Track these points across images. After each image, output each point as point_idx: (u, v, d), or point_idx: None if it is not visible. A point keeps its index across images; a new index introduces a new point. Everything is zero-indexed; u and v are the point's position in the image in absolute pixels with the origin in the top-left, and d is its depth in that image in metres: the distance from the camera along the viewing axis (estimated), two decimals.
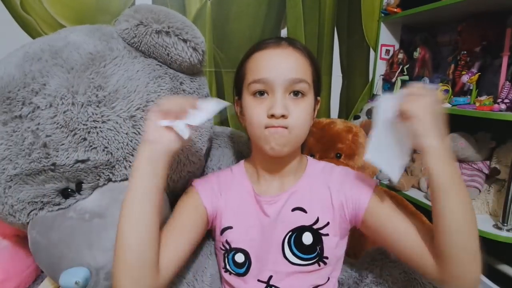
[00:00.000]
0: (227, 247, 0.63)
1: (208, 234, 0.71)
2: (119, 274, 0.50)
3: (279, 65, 0.60)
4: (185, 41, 0.63)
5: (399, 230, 0.56)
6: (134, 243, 0.50)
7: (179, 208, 0.63)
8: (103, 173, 0.60)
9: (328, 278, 0.64)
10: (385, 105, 0.53)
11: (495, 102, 1.06)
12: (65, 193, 0.60)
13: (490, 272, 1.02)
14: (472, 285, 0.50)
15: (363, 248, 0.89)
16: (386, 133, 0.53)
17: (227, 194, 0.65)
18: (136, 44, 0.63)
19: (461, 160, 1.19)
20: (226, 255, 0.64)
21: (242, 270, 0.63)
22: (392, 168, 0.54)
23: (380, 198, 0.59)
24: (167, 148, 0.52)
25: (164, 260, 0.54)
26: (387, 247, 0.64)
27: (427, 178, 1.30)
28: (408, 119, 0.49)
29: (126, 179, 0.61)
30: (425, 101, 0.49)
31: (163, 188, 0.54)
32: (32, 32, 1.09)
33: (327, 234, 0.61)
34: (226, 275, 0.65)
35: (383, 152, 0.54)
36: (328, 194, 0.62)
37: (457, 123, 1.23)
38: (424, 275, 0.58)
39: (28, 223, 0.60)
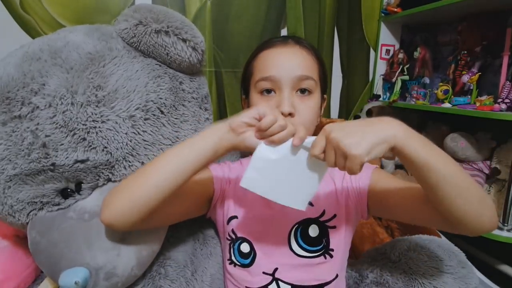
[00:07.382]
0: (233, 236, 0.64)
1: (209, 233, 0.70)
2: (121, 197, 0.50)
3: (286, 63, 0.60)
4: (184, 40, 0.63)
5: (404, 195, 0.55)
6: (152, 184, 0.49)
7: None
8: (102, 173, 0.59)
9: (336, 276, 0.63)
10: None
11: (495, 102, 1.06)
12: (65, 193, 0.60)
13: (490, 272, 1.01)
14: (490, 226, 0.47)
15: (363, 248, 0.89)
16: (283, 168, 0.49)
17: (236, 184, 0.66)
18: (136, 44, 0.63)
19: (461, 160, 1.19)
20: (232, 245, 0.64)
21: (248, 261, 0.63)
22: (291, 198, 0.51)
23: (379, 174, 0.60)
24: (239, 144, 0.50)
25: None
26: (397, 217, 0.66)
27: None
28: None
29: None
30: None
31: (211, 163, 0.53)
32: (32, 31, 1.09)
33: (334, 227, 0.62)
34: (230, 268, 0.65)
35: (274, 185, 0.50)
36: (333, 187, 0.63)
37: (457, 123, 1.24)
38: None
39: (27, 223, 0.60)
